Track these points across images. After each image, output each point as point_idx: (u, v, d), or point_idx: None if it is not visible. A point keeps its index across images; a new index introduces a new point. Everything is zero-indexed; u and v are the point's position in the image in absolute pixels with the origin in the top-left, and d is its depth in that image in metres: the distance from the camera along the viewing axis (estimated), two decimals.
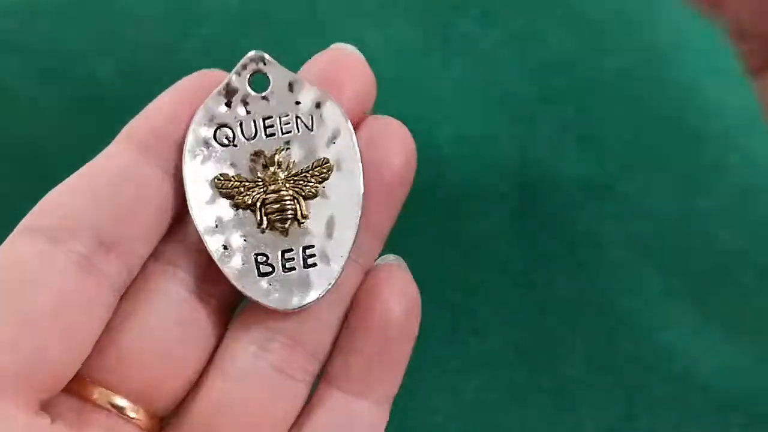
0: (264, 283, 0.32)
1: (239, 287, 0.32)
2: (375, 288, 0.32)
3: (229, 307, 0.34)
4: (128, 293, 0.30)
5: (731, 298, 0.43)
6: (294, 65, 0.33)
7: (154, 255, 0.32)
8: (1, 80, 0.44)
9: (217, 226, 0.32)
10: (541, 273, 0.45)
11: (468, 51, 0.43)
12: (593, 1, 0.44)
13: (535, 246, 0.45)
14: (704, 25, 0.44)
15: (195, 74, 0.33)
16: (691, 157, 0.43)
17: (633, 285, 0.43)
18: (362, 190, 0.32)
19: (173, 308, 0.32)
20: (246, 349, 0.32)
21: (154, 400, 0.32)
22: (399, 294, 0.31)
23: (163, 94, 0.32)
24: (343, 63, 0.33)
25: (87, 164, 0.30)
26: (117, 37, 0.44)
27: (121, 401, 0.32)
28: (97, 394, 0.31)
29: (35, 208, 0.31)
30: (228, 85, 0.33)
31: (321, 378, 0.33)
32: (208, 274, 0.33)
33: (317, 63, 0.33)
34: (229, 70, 0.33)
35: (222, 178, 0.32)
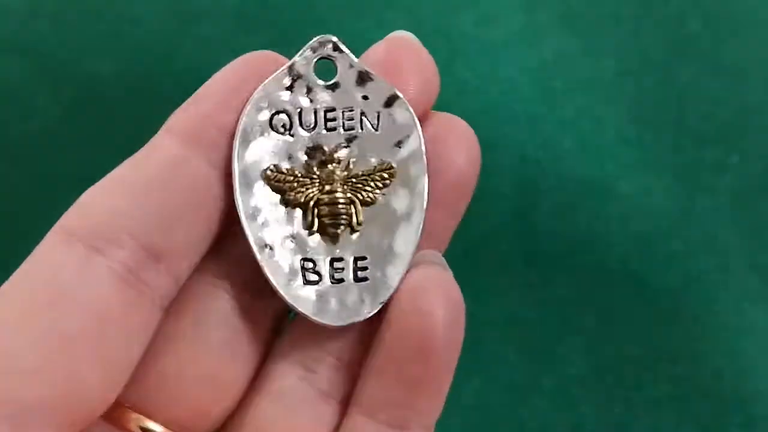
0: (309, 292, 0.29)
1: (282, 294, 0.29)
2: (413, 297, 0.28)
3: (275, 323, 0.31)
4: (171, 310, 0.28)
5: (732, 299, 0.43)
6: None
7: (199, 266, 0.29)
8: (1, 80, 0.43)
9: (263, 223, 0.30)
10: (541, 273, 0.44)
11: (469, 49, 0.43)
12: (592, 2, 0.44)
13: (535, 246, 0.44)
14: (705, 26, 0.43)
15: (250, 55, 0.30)
16: (692, 157, 0.44)
17: (633, 285, 0.43)
18: (426, 203, 0.30)
19: (220, 328, 0.29)
20: (292, 371, 0.30)
21: (195, 427, 0.29)
22: (441, 303, 0.27)
23: (213, 77, 0.29)
24: (405, 54, 0.30)
25: (129, 159, 0.27)
26: (116, 37, 0.43)
27: (158, 428, 0.29)
28: (134, 421, 0.28)
29: (73, 208, 0.27)
30: (291, 68, 0.30)
31: (351, 403, 0.30)
32: (255, 288, 0.30)
33: (375, 54, 0.30)
34: None
35: (275, 170, 0.30)
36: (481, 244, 0.43)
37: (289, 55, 0.30)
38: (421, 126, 0.30)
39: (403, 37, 0.30)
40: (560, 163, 0.44)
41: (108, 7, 0.43)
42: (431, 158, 0.30)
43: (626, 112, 0.44)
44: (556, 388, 0.44)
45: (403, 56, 0.30)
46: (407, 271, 0.29)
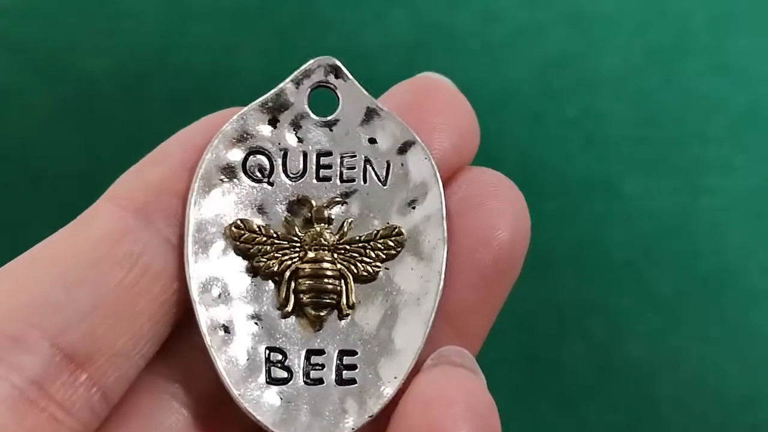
0: (273, 394, 0.22)
1: (234, 394, 0.22)
2: (426, 412, 0.21)
3: None
4: (109, 426, 0.22)
5: (738, 300, 0.42)
6: (294, 69, 0.24)
7: (150, 365, 0.22)
8: None
9: (220, 296, 0.22)
10: (544, 274, 0.42)
11: (471, 47, 0.42)
12: None
13: (538, 247, 0.42)
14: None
15: (214, 114, 0.24)
16: (697, 157, 0.43)
17: (638, 286, 0.42)
18: (441, 284, 0.22)
19: None
20: None
21: None
22: (467, 425, 0.20)
23: (169, 140, 0.23)
24: (436, 97, 0.23)
25: (61, 230, 0.22)
26: (111, 35, 0.42)
27: None
28: None
29: None
30: (279, 96, 0.23)
31: None
32: (219, 396, 0.22)
33: (398, 95, 0.24)
34: (227, 70, 0.24)
35: (242, 227, 0.23)
36: None
37: (288, 57, 0.26)
38: (449, 183, 0.23)
39: (433, 78, 0.24)
40: (564, 162, 0.43)
41: (102, 5, 0.43)
42: (462, 226, 0.22)
43: (631, 111, 0.43)
44: (558, 391, 0.42)
45: (433, 98, 0.23)
46: (414, 373, 0.22)
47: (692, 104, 0.43)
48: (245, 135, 0.23)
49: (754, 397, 0.42)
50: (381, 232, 0.23)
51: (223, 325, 0.22)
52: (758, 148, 0.43)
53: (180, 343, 0.23)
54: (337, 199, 0.23)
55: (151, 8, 0.42)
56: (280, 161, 0.23)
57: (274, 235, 0.23)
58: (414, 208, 0.23)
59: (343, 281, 0.23)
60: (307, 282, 0.23)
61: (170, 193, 0.22)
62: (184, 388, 0.23)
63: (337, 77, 0.23)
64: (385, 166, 0.23)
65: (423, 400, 0.20)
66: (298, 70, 0.23)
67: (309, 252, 0.23)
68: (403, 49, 0.42)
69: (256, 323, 0.23)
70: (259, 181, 0.23)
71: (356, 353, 0.22)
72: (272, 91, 0.23)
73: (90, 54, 0.42)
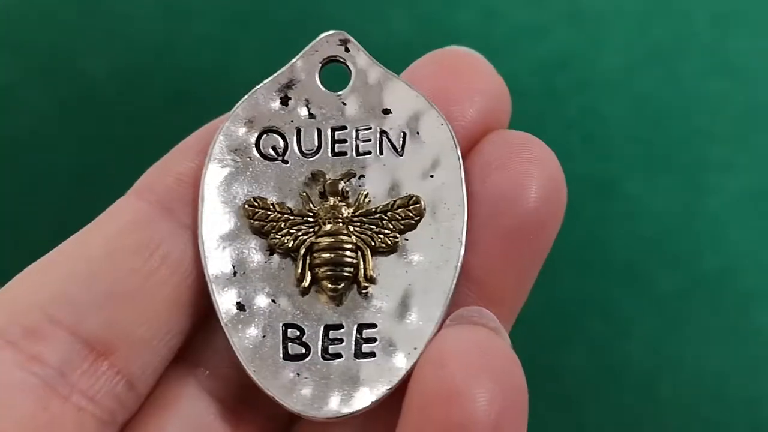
0: (288, 371, 0.22)
1: (250, 371, 0.22)
2: (437, 368, 0.20)
3: (281, 425, 0.23)
4: (139, 416, 0.22)
5: (738, 300, 0.42)
6: None
7: (178, 357, 0.22)
8: None
9: (235, 273, 0.22)
10: (545, 274, 0.41)
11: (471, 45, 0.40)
12: None
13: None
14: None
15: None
16: (699, 156, 0.43)
17: (638, 286, 0.42)
18: (462, 254, 0.22)
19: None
20: None
21: None
22: (483, 381, 0.19)
23: (190, 136, 0.23)
24: (461, 66, 0.23)
25: (83, 228, 0.22)
26: (111, 35, 0.42)
27: None
28: None
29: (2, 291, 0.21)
30: (289, 72, 0.23)
31: None
32: (249, 389, 0.22)
33: (427, 63, 0.24)
34: (225, 69, 0.24)
35: (256, 204, 0.23)
36: None
37: (287, 57, 0.24)
38: (474, 148, 0.23)
39: (459, 49, 0.24)
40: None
41: (100, 6, 0.42)
42: (488, 188, 0.22)
43: (631, 110, 0.43)
44: (558, 391, 0.42)
45: (458, 68, 0.23)
46: (436, 337, 0.21)
47: (693, 104, 0.43)
48: (257, 115, 0.23)
49: (754, 398, 0.42)
50: (398, 201, 0.23)
51: (240, 303, 0.22)
52: (759, 148, 0.43)
53: (207, 333, 0.23)
54: (352, 171, 0.23)
55: (151, 8, 0.42)
56: (294, 138, 0.23)
57: (289, 212, 0.23)
58: (432, 175, 0.23)
59: (360, 253, 0.23)
60: (323, 255, 0.23)
61: (189, 183, 0.23)
62: (212, 377, 0.23)
63: (347, 50, 0.23)
64: (401, 136, 0.23)
65: (437, 359, 0.20)
66: (308, 46, 0.23)
67: (324, 226, 0.23)
68: (403, 48, 0.42)
69: (273, 300, 0.22)
70: (273, 160, 0.23)
71: (375, 326, 0.22)
72: (282, 69, 0.23)
73: (90, 54, 0.42)
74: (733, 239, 0.42)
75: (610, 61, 0.43)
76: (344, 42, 0.23)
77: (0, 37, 0.43)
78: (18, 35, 0.43)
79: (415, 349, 0.22)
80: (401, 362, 0.22)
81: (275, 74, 0.23)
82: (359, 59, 0.23)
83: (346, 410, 0.22)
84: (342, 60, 0.23)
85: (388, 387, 0.22)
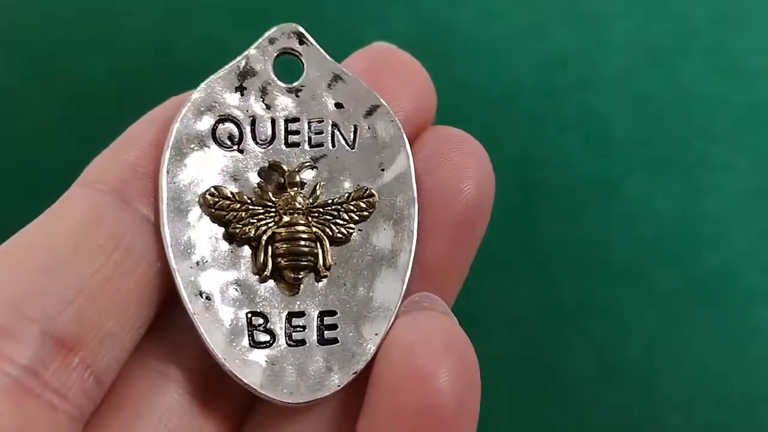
0: (258, 357, 0.23)
1: (220, 359, 0.22)
2: (404, 353, 0.21)
3: (242, 409, 0.24)
4: (104, 409, 0.22)
5: (738, 300, 0.43)
6: None
7: (140, 347, 0.23)
8: None
9: (198, 263, 0.23)
10: (545, 274, 0.43)
11: (471, 46, 0.42)
12: None
13: (538, 247, 0.43)
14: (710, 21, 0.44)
15: (185, 94, 0.24)
16: (699, 156, 0.43)
17: (638, 286, 0.43)
18: (415, 242, 0.23)
19: (171, 427, 0.23)
20: None
21: None
22: (445, 360, 0.21)
23: (139, 121, 0.24)
24: (392, 63, 0.24)
25: (37, 219, 0.22)
26: (111, 35, 0.43)
27: None
28: None
29: None
30: (244, 64, 0.24)
31: None
32: (212, 370, 0.23)
33: (358, 61, 0.25)
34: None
35: (217, 194, 0.23)
36: (483, 246, 0.42)
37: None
38: (415, 143, 0.24)
39: (388, 47, 0.25)
40: (564, 162, 0.43)
41: (100, 6, 0.43)
42: (430, 182, 0.23)
43: (631, 111, 0.43)
44: (559, 391, 0.43)
45: (389, 65, 0.24)
46: (394, 323, 0.22)
47: (693, 104, 0.43)
48: (213, 104, 0.24)
49: (754, 397, 0.42)
50: (353, 194, 0.24)
51: (204, 292, 0.23)
52: (759, 148, 0.43)
53: (168, 322, 0.23)
54: (308, 164, 0.24)
55: (151, 8, 0.43)
56: (248, 128, 0.24)
57: (248, 201, 0.24)
58: (383, 169, 0.24)
59: (318, 243, 0.24)
60: (284, 245, 0.23)
61: (145, 172, 0.23)
62: (175, 367, 0.23)
63: (301, 43, 0.24)
64: (353, 129, 0.24)
65: (402, 343, 0.21)
66: (262, 37, 0.24)
67: (284, 216, 0.24)
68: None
69: (236, 289, 0.23)
70: (229, 149, 0.24)
71: (336, 313, 0.23)
72: (237, 59, 0.24)
73: (90, 54, 0.43)
74: (733, 239, 0.43)
75: (610, 61, 0.43)
76: (299, 35, 0.24)
77: (1, 36, 0.43)
78: (18, 35, 0.43)
79: (376, 334, 0.23)
80: (364, 347, 0.23)
81: (231, 64, 0.24)
82: (312, 53, 0.24)
83: (314, 395, 0.23)
84: (296, 53, 0.24)
85: (354, 371, 0.23)
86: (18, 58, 0.43)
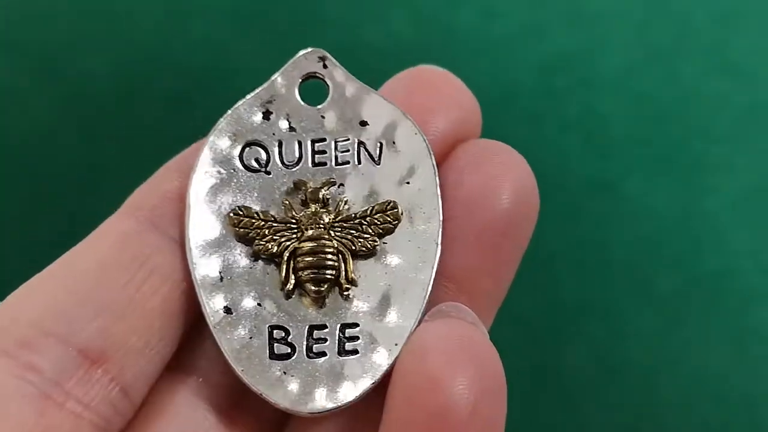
0: (276, 369, 0.23)
1: (238, 371, 0.23)
2: (419, 360, 0.21)
3: (273, 425, 0.25)
4: (135, 423, 0.23)
5: (738, 300, 0.43)
6: None
7: (171, 364, 0.24)
8: None
9: (222, 279, 0.24)
10: (545, 274, 0.43)
11: (470, 45, 0.42)
12: None
13: (538, 247, 0.41)
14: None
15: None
16: (699, 156, 0.43)
17: (638, 286, 0.43)
18: (439, 250, 0.24)
19: None
20: None
21: None
22: (462, 369, 0.21)
23: (179, 155, 0.25)
24: (431, 82, 0.25)
25: (74, 247, 0.23)
26: (111, 35, 0.43)
27: None
28: None
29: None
30: (270, 88, 0.25)
31: None
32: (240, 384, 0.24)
33: (398, 83, 0.25)
34: (227, 70, 0.26)
35: (241, 213, 0.24)
36: None
37: (287, 58, 0.25)
38: (449, 156, 0.24)
39: (431, 68, 0.25)
40: (564, 162, 0.43)
41: (100, 5, 0.43)
42: (460, 194, 0.24)
43: (631, 111, 0.43)
44: (559, 391, 0.43)
45: (429, 85, 0.25)
46: (416, 331, 0.23)
47: (693, 104, 0.43)
48: (240, 129, 0.24)
49: (754, 398, 0.43)
50: (376, 207, 0.24)
51: (227, 307, 0.24)
52: (759, 148, 0.43)
53: (199, 340, 0.24)
54: (332, 180, 0.24)
55: (151, 8, 0.43)
56: (276, 150, 0.25)
57: (272, 219, 0.24)
58: (408, 182, 0.24)
59: (341, 257, 0.24)
60: (306, 259, 0.24)
61: (176, 199, 0.24)
62: (205, 384, 0.24)
63: (325, 67, 0.25)
64: (378, 146, 0.25)
65: (418, 349, 0.21)
66: (288, 63, 0.25)
67: (306, 231, 0.24)
68: (403, 48, 0.43)
69: (259, 304, 0.24)
70: (256, 171, 0.25)
71: (357, 325, 0.24)
72: (264, 85, 0.25)
73: (90, 54, 0.43)
74: (732, 239, 0.43)
75: (610, 61, 0.44)
76: (322, 59, 0.25)
77: (1, 36, 0.43)
78: (18, 35, 0.43)
79: (396, 345, 0.23)
80: (383, 358, 0.23)
81: (257, 90, 0.25)
82: (336, 75, 0.25)
83: (331, 405, 0.23)
84: (320, 76, 0.25)
85: (372, 382, 0.23)
86: (18, 58, 0.43)
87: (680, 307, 0.42)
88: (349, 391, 0.23)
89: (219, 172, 0.24)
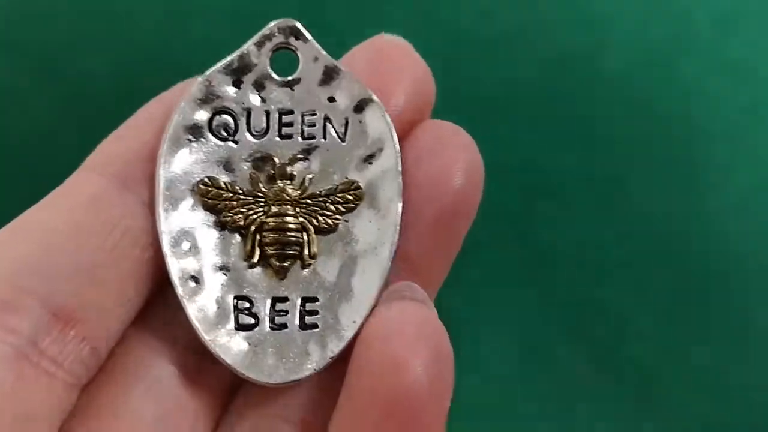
0: (241, 339, 0.24)
1: (205, 339, 0.24)
2: (381, 342, 0.22)
3: (231, 387, 0.26)
4: (100, 378, 0.24)
5: (738, 300, 0.43)
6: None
7: (136, 323, 0.25)
8: None
9: (190, 248, 0.25)
10: (544, 274, 0.43)
11: (470, 45, 0.42)
12: None
13: (538, 249, 0.43)
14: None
15: (185, 82, 0.26)
16: (698, 156, 0.43)
17: (638, 287, 0.43)
18: (397, 236, 0.25)
19: (157, 400, 0.24)
20: None
21: None
22: (420, 350, 0.22)
23: (141, 109, 0.25)
24: (392, 56, 0.26)
25: (41, 201, 0.24)
26: (109, 35, 0.43)
27: None
28: None
29: None
30: (241, 58, 0.25)
31: None
32: (204, 349, 0.25)
33: (357, 56, 0.26)
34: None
35: (210, 184, 0.25)
36: (483, 247, 0.42)
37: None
38: (408, 137, 0.25)
39: (391, 39, 0.26)
40: (564, 164, 0.43)
41: (100, 5, 0.43)
42: (419, 174, 0.25)
43: (631, 110, 0.43)
44: (558, 392, 0.43)
45: (390, 59, 0.26)
46: (373, 311, 0.24)
47: (693, 104, 0.43)
48: (210, 96, 0.25)
49: (754, 397, 0.43)
50: (340, 186, 0.25)
51: (193, 276, 0.25)
52: (759, 148, 0.43)
53: (163, 301, 0.25)
54: (299, 156, 0.25)
55: (151, 8, 0.43)
56: (244, 120, 0.25)
57: (240, 191, 0.25)
58: (371, 163, 0.25)
59: (305, 233, 0.25)
60: (271, 235, 0.25)
61: (146, 158, 0.25)
62: (169, 345, 0.25)
63: (297, 39, 0.26)
64: (344, 123, 0.25)
65: (379, 332, 0.22)
66: (259, 33, 0.26)
67: (273, 207, 0.25)
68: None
69: (224, 274, 0.25)
70: (224, 140, 0.25)
71: (318, 300, 0.25)
72: (235, 54, 0.25)
73: (90, 54, 0.43)
74: (733, 239, 0.43)
75: (610, 61, 0.44)
76: (294, 30, 0.26)
77: (1, 36, 0.43)
78: (18, 35, 0.43)
79: (354, 322, 0.24)
80: (341, 333, 0.24)
81: (228, 58, 0.25)
82: (308, 48, 0.25)
83: (292, 377, 0.24)
84: (292, 47, 0.26)
85: (331, 356, 0.24)
86: (18, 58, 0.43)
87: (680, 307, 0.42)
88: (309, 365, 0.24)
89: (189, 140, 0.25)
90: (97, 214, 0.23)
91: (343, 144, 0.25)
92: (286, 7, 0.40)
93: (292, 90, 0.25)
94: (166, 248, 0.24)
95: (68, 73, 0.43)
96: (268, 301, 0.25)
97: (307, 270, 0.25)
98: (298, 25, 0.26)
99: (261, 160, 0.25)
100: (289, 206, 0.25)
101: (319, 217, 0.25)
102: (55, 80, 0.43)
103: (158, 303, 0.25)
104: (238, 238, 0.25)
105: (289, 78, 0.26)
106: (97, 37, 0.43)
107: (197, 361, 0.25)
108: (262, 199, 0.25)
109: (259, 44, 0.25)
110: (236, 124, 0.25)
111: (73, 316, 0.23)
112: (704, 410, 0.43)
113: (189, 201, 0.25)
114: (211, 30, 0.43)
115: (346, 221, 0.25)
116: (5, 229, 0.23)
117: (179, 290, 0.24)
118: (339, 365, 0.24)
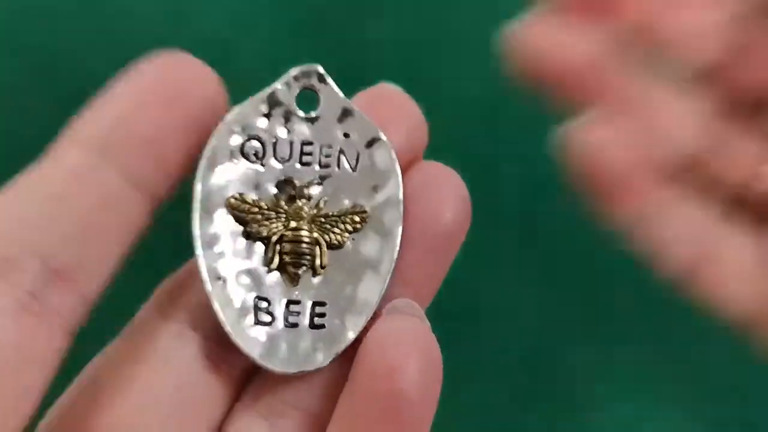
0: (259, 333, 0.29)
1: (229, 330, 0.29)
2: (381, 351, 0.27)
3: (246, 376, 0.30)
4: (127, 356, 0.28)
5: None
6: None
7: (161, 311, 0.29)
8: None
9: (219, 253, 0.29)
10: (544, 274, 0.45)
11: (469, 45, 0.43)
12: None
13: (540, 248, 0.45)
14: None
15: (165, 54, 0.28)
16: None
17: (638, 286, 0.43)
18: (396, 255, 0.30)
19: (181, 375, 0.28)
20: (255, 426, 0.29)
21: None
22: (414, 359, 0.26)
23: (122, 79, 0.27)
24: (392, 101, 0.31)
25: (26, 172, 0.26)
26: (110, 34, 0.44)
27: None
28: None
29: None
30: (272, 95, 0.30)
31: None
32: (226, 339, 0.29)
33: (360, 101, 0.31)
34: (225, 69, 0.30)
35: (240, 199, 0.30)
36: (482, 247, 0.42)
37: (287, 58, 0.30)
38: (406, 173, 0.30)
39: (387, 87, 0.31)
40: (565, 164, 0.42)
41: (101, 4, 0.44)
42: (415, 208, 0.30)
43: None
44: (560, 395, 0.45)
45: (388, 103, 0.31)
46: (373, 321, 0.29)
47: None
48: (245, 125, 0.30)
49: (753, 397, 0.44)
50: (349, 209, 0.30)
51: (221, 276, 0.29)
52: None
53: (191, 298, 0.30)
54: (316, 181, 0.30)
55: (151, 8, 0.44)
56: (271, 148, 0.30)
57: (265, 207, 0.30)
58: (377, 192, 0.30)
59: (317, 247, 0.30)
60: (289, 246, 0.30)
61: (130, 131, 0.27)
62: (194, 333, 0.29)
63: (320, 82, 0.30)
64: (356, 156, 0.30)
65: (380, 343, 0.27)
66: (288, 75, 0.30)
67: (291, 222, 0.30)
68: (402, 49, 0.45)
69: (247, 276, 0.30)
70: (253, 163, 0.30)
71: (326, 304, 0.30)
72: (266, 90, 0.30)
73: (90, 54, 0.44)
74: None
75: None
76: (318, 75, 0.30)
77: (1, 36, 0.44)
78: (18, 35, 0.45)
79: (356, 325, 0.29)
80: (346, 334, 0.29)
81: (261, 94, 0.30)
82: (328, 90, 0.30)
83: (301, 368, 0.29)
84: (315, 90, 0.30)
85: (336, 352, 0.29)
86: (18, 57, 0.44)
87: (678, 307, 0.42)
88: (317, 359, 0.29)
89: (224, 159, 0.29)
90: (84, 183, 0.27)
91: (354, 174, 0.30)
92: (286, 8, 0.44)
93: (313, 125, 0.30)
94: (199, 250, 0.29)
95: (68, 73, 0.44)
96: (284, 302, 0.29)
97: (317, 278, 0.30)
98: (321, 70, 0.30)
99: (284, 182, 0.30)
100: (305, 223, 0.30)
101: (330, 234, 0.30)
102: (55, 80, 0.44)
103: (183, 293, 0.29)
104: (260, 246, 0.30)
105: (312, 114, 0.30)
106: (97, 37, 0.44)
107: (219, 349, 0.29)
108: (283, 215, 0.30)
109: (287, 83, 0.30)
110: (264, 150, 0.30)
111: (67, 272, 0.26)
112: (703, 410, 0.45)
113: (221, 212, 0.29)
114: (211, 30, 0.45)
115: (353, 239, 0.30)
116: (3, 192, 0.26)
117: (208, 287, 0.29)
118: (342, 367, 0.29)
